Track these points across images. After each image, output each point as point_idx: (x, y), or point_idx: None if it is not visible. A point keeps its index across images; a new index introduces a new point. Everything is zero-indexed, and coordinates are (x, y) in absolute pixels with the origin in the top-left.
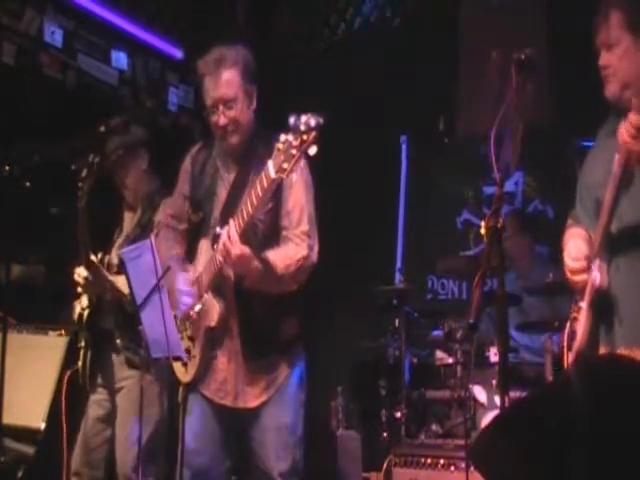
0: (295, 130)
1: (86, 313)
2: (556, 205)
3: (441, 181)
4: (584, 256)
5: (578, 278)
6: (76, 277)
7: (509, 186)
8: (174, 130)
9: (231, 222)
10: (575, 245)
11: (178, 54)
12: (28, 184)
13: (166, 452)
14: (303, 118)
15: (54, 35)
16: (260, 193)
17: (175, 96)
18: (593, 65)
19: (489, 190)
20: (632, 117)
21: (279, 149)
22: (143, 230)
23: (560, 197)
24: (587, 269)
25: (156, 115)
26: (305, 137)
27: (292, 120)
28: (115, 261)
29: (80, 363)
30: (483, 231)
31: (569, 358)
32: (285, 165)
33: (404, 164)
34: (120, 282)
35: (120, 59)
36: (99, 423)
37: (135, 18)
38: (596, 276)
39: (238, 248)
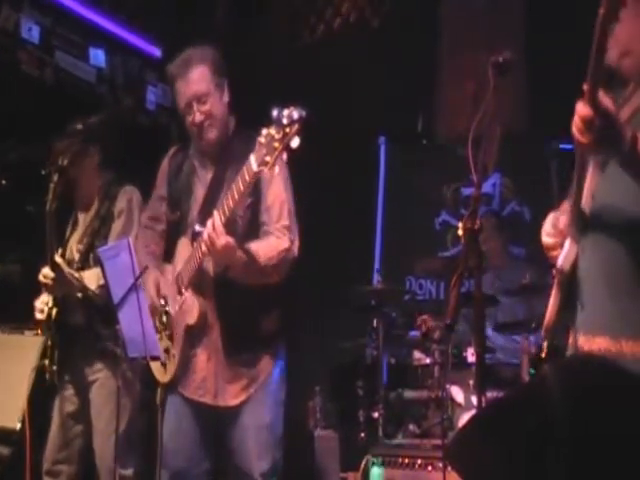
0: (278, 123)
1: (54, 312)
2: (533, 207)
3: (419, 182)
4: (559, 232)
5: (553, 254)
6: (41, 278)
7: (487, 188)
8: (152, 129)
9: (215, 213)
10: (550, 220)
11: (157, 53)
12: (4, 182)
13: (143, 450)
14: (285, 111)
15: (31, 32)
16: (242, 187)
17: (153, 95)
18: (571, 67)
19: (467, 191)
20: (578, 107)
21: (261, 142)
22: (103, 222)
23: (537, 199)
24: (561, 245)
25: (134, 113)
26: (288, 130)
27: (275, 113)
28: (76, 257)
29: (47, 362)
30: (461, 232)
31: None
32: (267, 158)
33: (382, 165)
34: (86, 278)
35: (98, 56)
36: (70, 419)
37: (114, 16)
38: (560, 256)
39: (223, 238)
